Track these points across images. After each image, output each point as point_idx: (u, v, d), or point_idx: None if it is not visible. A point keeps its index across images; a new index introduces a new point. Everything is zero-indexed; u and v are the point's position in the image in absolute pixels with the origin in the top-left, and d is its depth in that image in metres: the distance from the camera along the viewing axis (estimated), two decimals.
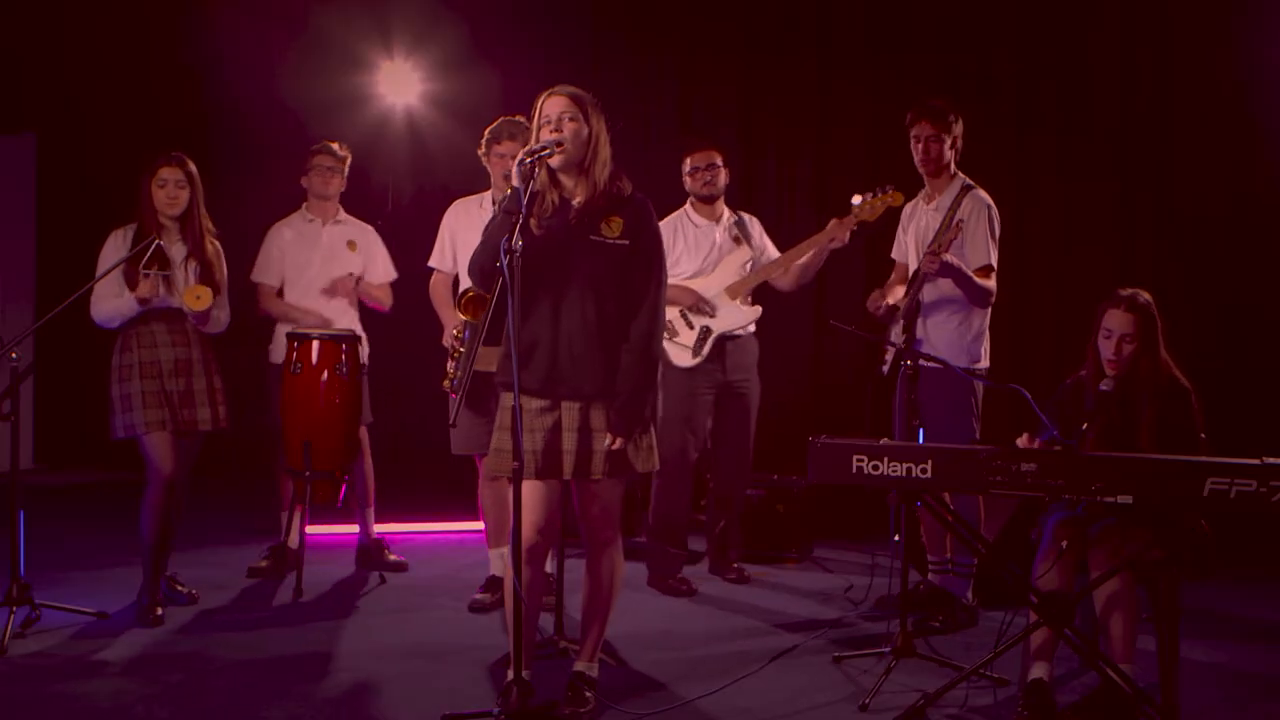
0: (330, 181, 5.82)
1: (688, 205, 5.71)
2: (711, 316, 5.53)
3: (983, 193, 5.02)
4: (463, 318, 4.64)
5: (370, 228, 5.99)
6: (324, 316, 5.70)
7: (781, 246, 5.69)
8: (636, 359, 3.68)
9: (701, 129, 7.27)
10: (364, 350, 5.66)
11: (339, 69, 7.64)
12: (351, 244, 5.86)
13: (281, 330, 5.70)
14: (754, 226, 5.71)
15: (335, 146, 5.86)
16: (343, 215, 5.91)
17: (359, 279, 5.84)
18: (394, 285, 5.97)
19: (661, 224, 4.21)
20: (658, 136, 7.52)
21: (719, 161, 5.63)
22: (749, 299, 5.63)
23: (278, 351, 5.72)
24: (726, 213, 5.71)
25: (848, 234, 5.31)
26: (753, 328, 5.66)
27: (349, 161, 5.91)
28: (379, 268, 5.94)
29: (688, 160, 5.64)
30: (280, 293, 5.80)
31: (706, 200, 5.64)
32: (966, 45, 7.33)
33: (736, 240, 5.63)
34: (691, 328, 5.53)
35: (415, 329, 6.14)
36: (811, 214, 7.20)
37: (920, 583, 5.10)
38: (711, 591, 5.54)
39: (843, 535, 6.58)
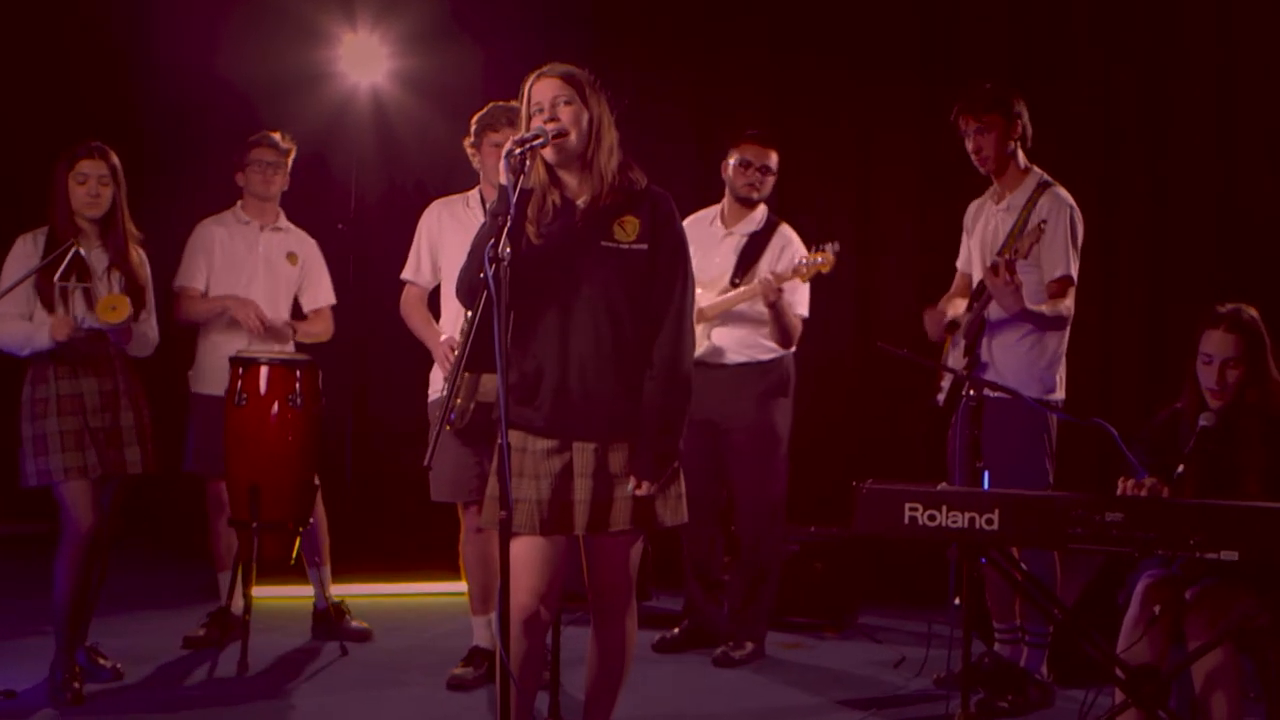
0: (272, 180, 5.81)
1: (722, 205, 5.70)
2: None
3: (1064, 191, 5.00)
4: None
5: (312, 240, 5.98)
6: (256, 304, 5.64)
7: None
8: (663, 386, 3.61)
9: (720, 117, 7.28)
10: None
11: (292, 43, 7.67)
12: (292, 256, 5.87)
13: (205, 351, 5.72)
14: (776, 244, 5.59)
15: (277, 137, 5.85)
16: (283, 221, 5.93)
17: (295, 329, 5.80)
18: (355, 304, 5.95)
19: (685, 222, 4.09)
20: (671, 125, 7.50)
21: (773, 164, 5.62)
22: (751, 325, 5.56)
23: (200, 379, 5.76)
24: (758, 216, 5.65)
25: (775, 293, 5.33)
26: (753, 357, 5.57)
27: (293, 155, 5.91)
28: (318, 289, 5.93)
29: (736, 152, 5.62)
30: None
31: (746, 204, 5.63)
32: (1042, 35, 7.32)
33: (742, 256, 5.58)
34: None
35: (383, 353, 6.16)
36: (849, 226, 7.19)
37: (985, 655, 5.11)
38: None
39: (893, 598, 6.59)
